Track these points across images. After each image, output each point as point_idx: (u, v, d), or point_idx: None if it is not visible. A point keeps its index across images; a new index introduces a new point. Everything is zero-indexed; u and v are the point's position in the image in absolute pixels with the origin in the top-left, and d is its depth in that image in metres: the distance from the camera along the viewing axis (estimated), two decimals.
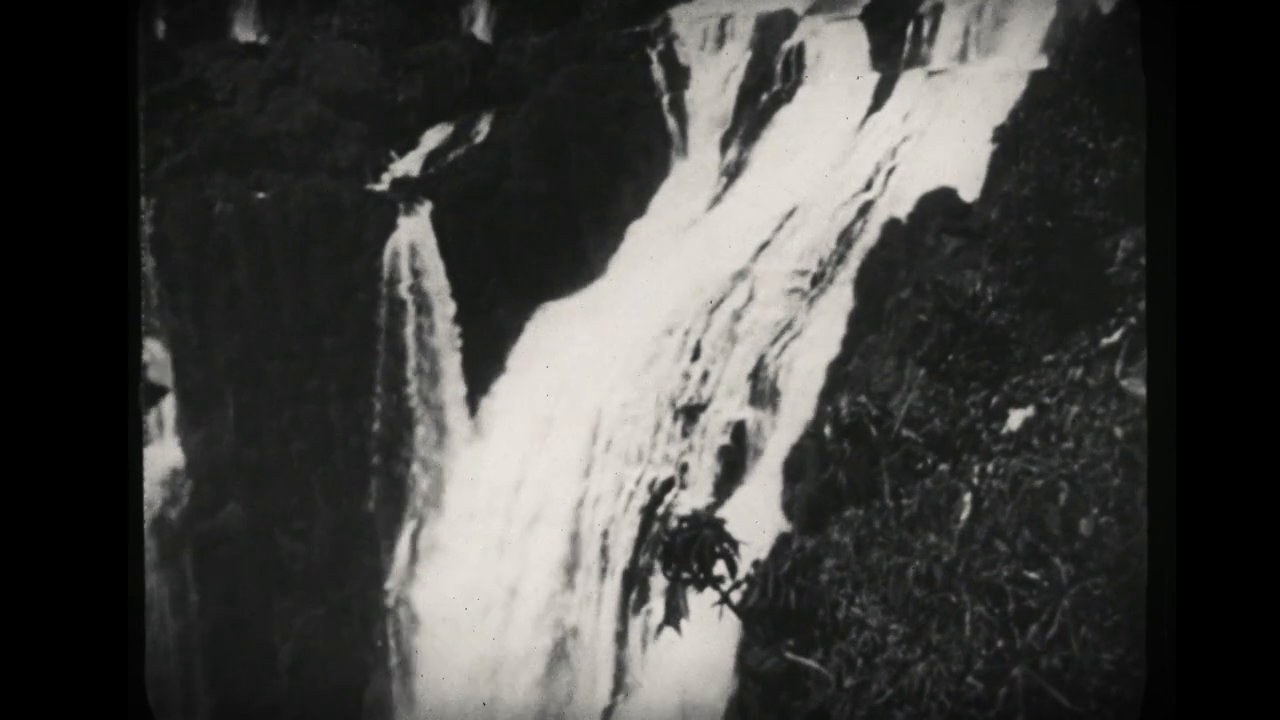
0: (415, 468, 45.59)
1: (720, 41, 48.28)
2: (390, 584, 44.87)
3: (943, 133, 40.20)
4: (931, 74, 42.52)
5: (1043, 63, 36.15)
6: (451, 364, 45.72)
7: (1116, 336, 19.25)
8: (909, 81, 42.68)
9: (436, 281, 45.64)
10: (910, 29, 43.59)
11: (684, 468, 39.24)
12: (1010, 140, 30.90)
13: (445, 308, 45.68)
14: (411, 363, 45.61)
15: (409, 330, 45.53)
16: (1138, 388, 14.69)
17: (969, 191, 36.29)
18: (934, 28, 43.29)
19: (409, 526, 45.21)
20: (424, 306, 45.63)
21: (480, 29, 54.94)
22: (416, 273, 45.60)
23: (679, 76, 48.20)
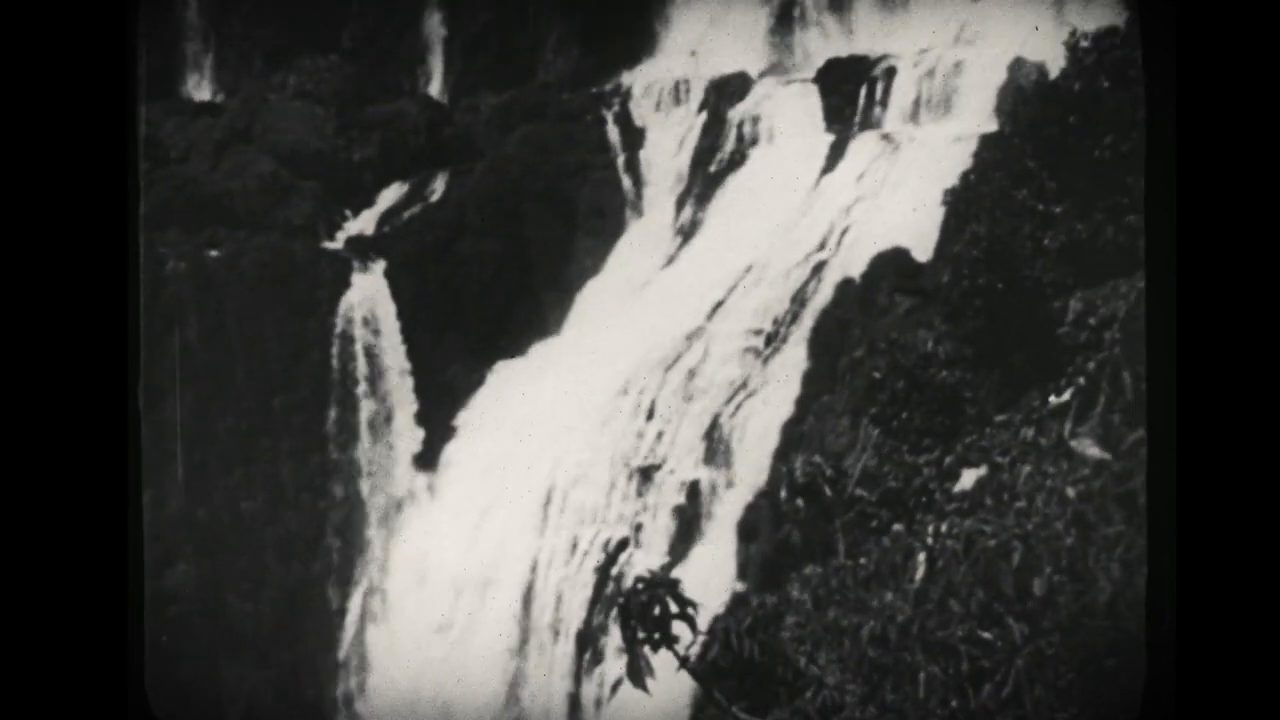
0: (367, 527, 45.23)
1: (675, 103, 48.66)
2: (342, 647, 44.40)
3: (895, 194, 40.62)
4: (884, 136, 43.00)
5: (993, 126, 36.63)
6: (405, 423, 45.49)
7: (1066, 396, 19.38)
8: (862, 143, 43.14)
9: (390, 340, 45.48)
10: (863, 92, 44.14)
11: (639, 527, 39.13)
12: (961, 202, 31.29)
13: (399, 366, 45.51)
14: (364, 421, 45.35)
15: (362, 389, 45.31)
16: (1087, 448, 14.76)
17: (922, 252, 36.64)
18: (886, 91, 43.86)
19: (361, 586, 44.79)
20: (377, 365, 45.45)
21: (436, 89, 55.15)
22: (370, 331, 45.46)
23: (634, 137, 48.51)
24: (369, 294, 45.59)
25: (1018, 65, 40.58)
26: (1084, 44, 28.20)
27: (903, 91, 43.45)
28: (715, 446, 38.77)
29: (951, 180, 34.05)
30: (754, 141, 45.95)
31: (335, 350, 45.21)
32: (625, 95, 49.37)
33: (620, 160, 48.13)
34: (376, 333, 45.49)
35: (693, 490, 38.54)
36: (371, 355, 45.44)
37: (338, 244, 47.98)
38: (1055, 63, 31.97)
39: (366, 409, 45.37)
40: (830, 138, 44.07)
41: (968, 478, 20.07)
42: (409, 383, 45.52)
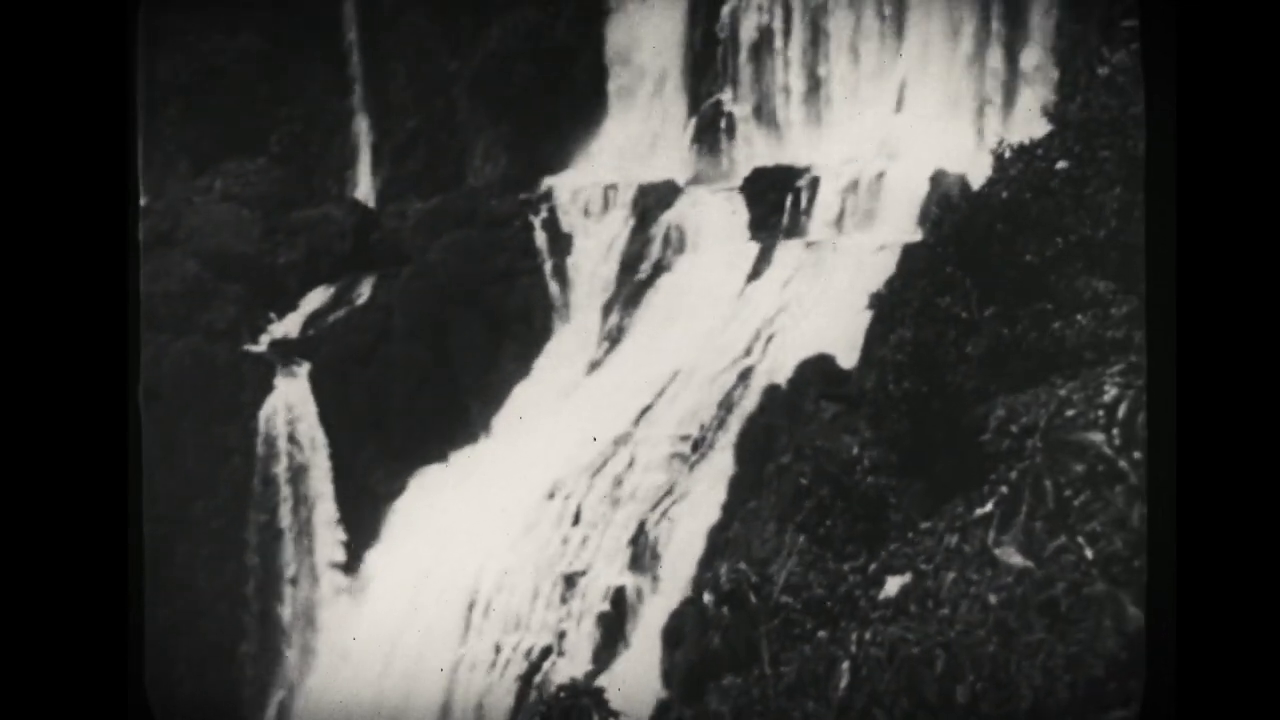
0: (286, 635, 44.43)
1: (603, 209, 48.96)
2: None
3: (820, 301, 40.99)
4: (809, 244, 43.46)
5: (917, 235, 37.08)
6: (327, 528, 44.93)
7: (989, 506, 19.42)
8: (787, 251, 43.56)
9: (313, 444, 45.03)
10: (789, 201, 44.64)
11: (562, 635, 38.68)
12: (885, 309, 31.49)
13: (322, 470, 45.03)
14: (286, 527, 44.74)
15: (283, 494, 44.75)
16: (1010, 556, 14.77)
17: (847, 358, 36.85)
18: (811, 200, 44.40)
19: (277, 695, 43.87)
20: (300, 469, 44.95)
21: (364, 194, 55.21)
22: (293, 436, 45.00)
23: (562, 243, 48.68)
24: (292, 398, 45.18)
25: (940, 177, 41.24)
26: (1009, 154, 28.65)
27: (827, 201, 44.03)
28: (641, 552, 38.54)
29: (875, 288, 34.34)
30: (681, 248, 46.27)
31: (257, 454, 44.67)
32: (553, 201, 49.62)
33: (547, 266, 48.24)
34: (299, 437, 45.03)
35: (618, 597, 38.20)
36: (294, 460, 44.94)
37: (261, 347, 47.57)
38: (978, 175, 32.46)
39: (287, 513, 44.76)
40: (756, 245, 44.48)
41: (892, 584, 19.99)
42: (331, 488, 45.02)
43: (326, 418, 45.19)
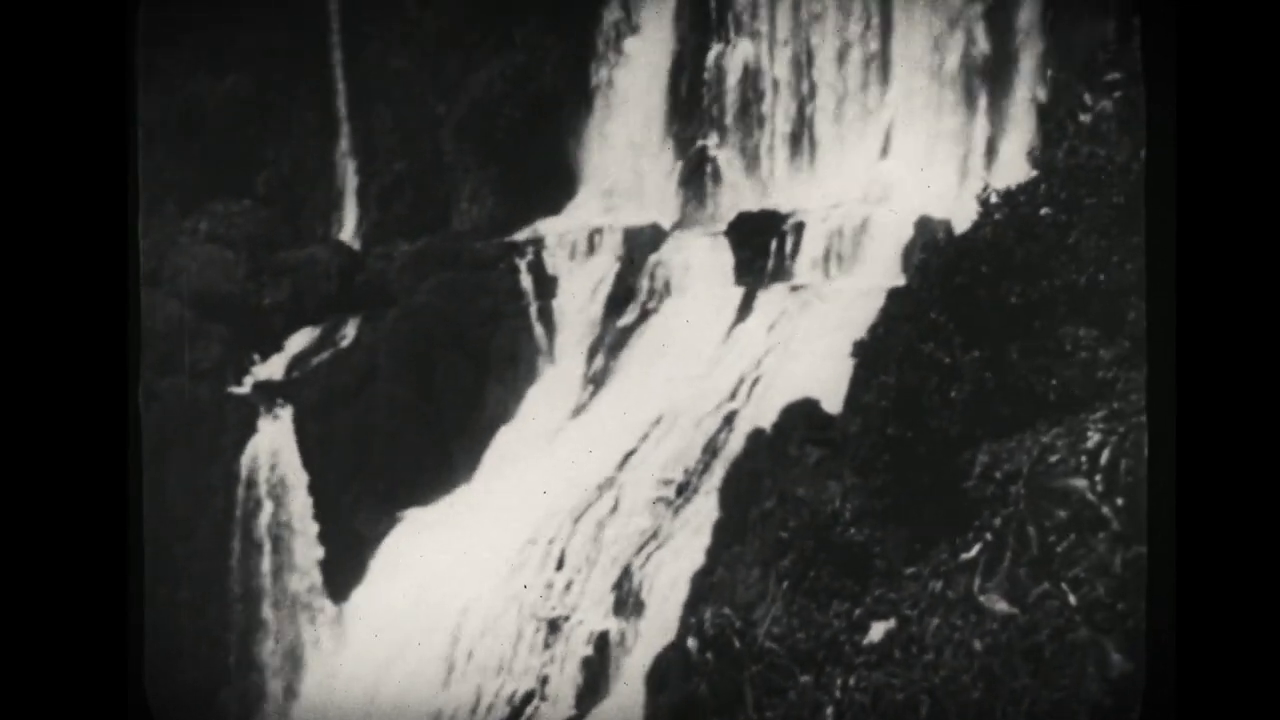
0: (269, 678, 44.13)
1: (589, 252, 49.05)
2: None
3: (805, 345, 41.03)
4: (794, 288, 43.56)
5: (901, 280, 37.16)
6: (310, 571, 44.71)
7: (974, 552, 19.43)
8: (773, 295, 43.65)
9: (296, 486, 44.88)
10: (774, 245, 44.76)
11: (545, 680, 38.45)
12: (870, 354, 31.53)
13: (305, 513, 44.84)
14: (268, 570, 44.50)
15: (265, 536, 44.53)
16: (995, 603, 14.75)
17: (832, 403, 36.83)
18: (796, 244, 44.52)
19: None
20: (283, 512, 44.76)
21: (349, 235, 55.24)
22: (276, 477, 44.84)
23: (547, 286, 48.73)
24: (275, 440, 45.04)
25: (925, 221, 41.42)
26: (994, 199, 28.79)
27: (812, 245, 44.14)
28: (625, 597, 38.39)
29: (860, 332, 34.39)
30: (666, 292, 46.35)
31: (239, 497, 44.49)
32: (539, 244, 49.70)
33: (533, 308, 48.27)
34: (282, 480, 44.88)
35: (601, 642, 38.01)
36: (277, 502, 44.76)
37: (245, 389, 47.46)
38: (963, 220, 32.57)
39: (269, 556, 44.54)
40: (741, 289, 44.55)
41: (877, 630, 19.94)
42: (314, 530, 44.84)
43: (310, 460, 45.05)
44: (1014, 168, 35.44)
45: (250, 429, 44.92)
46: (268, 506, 44.64)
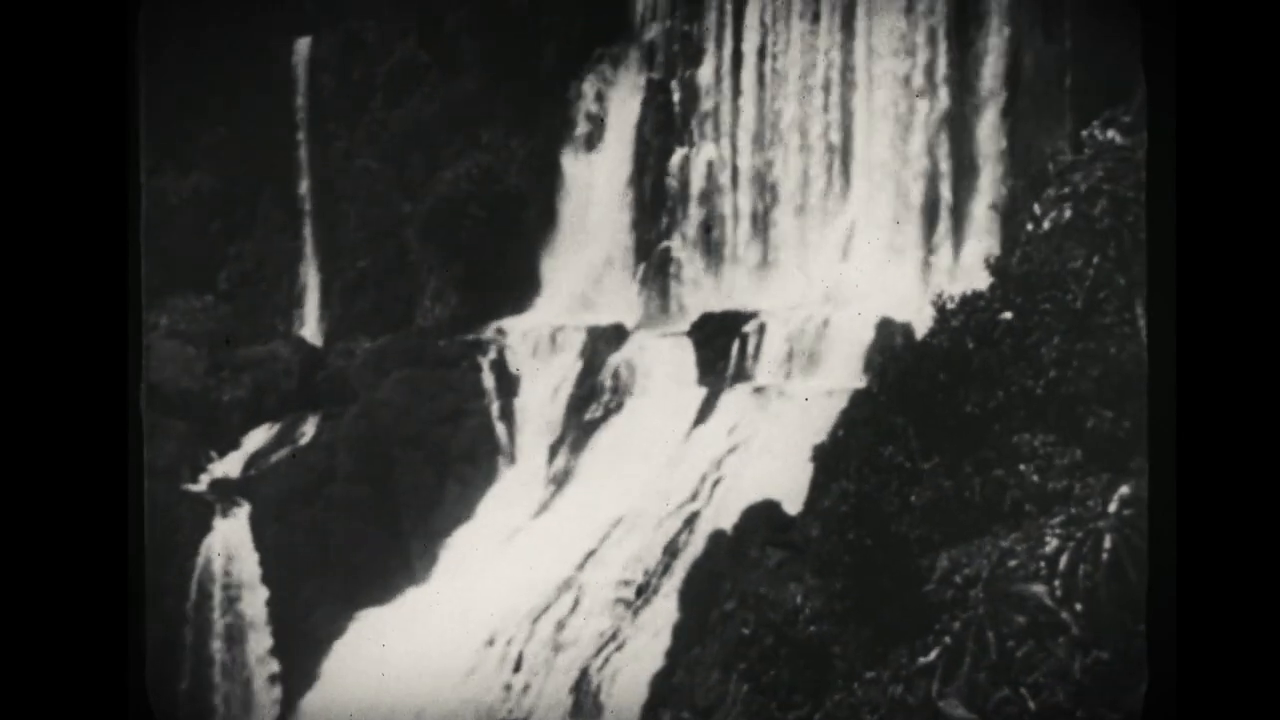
0: None
1: (552, 351, 49.07)
2: None
3: (766, 447, 40.98)
4: (756, 390, 43.59)
5: (861, 383, 37.33)
6: (264, 671, 44.06)
7: (933, 656, 19.37)
8: (734, 396, 43.66)
9: (251, 586, 44.32)
10: (736, 346, 44.89)
11: None
12: (830, 457, 31.62)
13: (259, 613, 44.25)
14: (220, 671, 43.83)
15: (218, 637, 43.90)
16: (954, 709, 14.66)
17: (792, 505, 36.74)
18: (758, 346, 44.66)
19: None
20: (237, 612, 44.16)
21: (311, 332, 55.14)
22: (231, 576, 44.31)
23: (510, 384, 48.68)
24: (231, 539, 44.57)
25: (885, 325, 41.64)
26: (950, 305, 29.08)
27: (774, 347, 44.27)
28: (583, 700, 37.92)
29: (821, 435, 34.44)
30: (628, 392, 46.34)
31: (192, 595, 43.92)
32: (502, 343, 49.72)
33: (495, 407, 48.16)
34: (236, 579, 44.34)
35: None
36: (231, 601, 44.18)
37: (201, 486, 47.06)
38: (922, 323, 32.81)
39: (222, 657, 43.88)
40: (703, 390, 44.58)
41: None
42: (268, 629, 44.23)
43: (265, 558, 44.56)
44: (973, 273, 35.79)
45: (206, 527, 44.45)
46: (221, 605, 44.05)
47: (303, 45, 57.88)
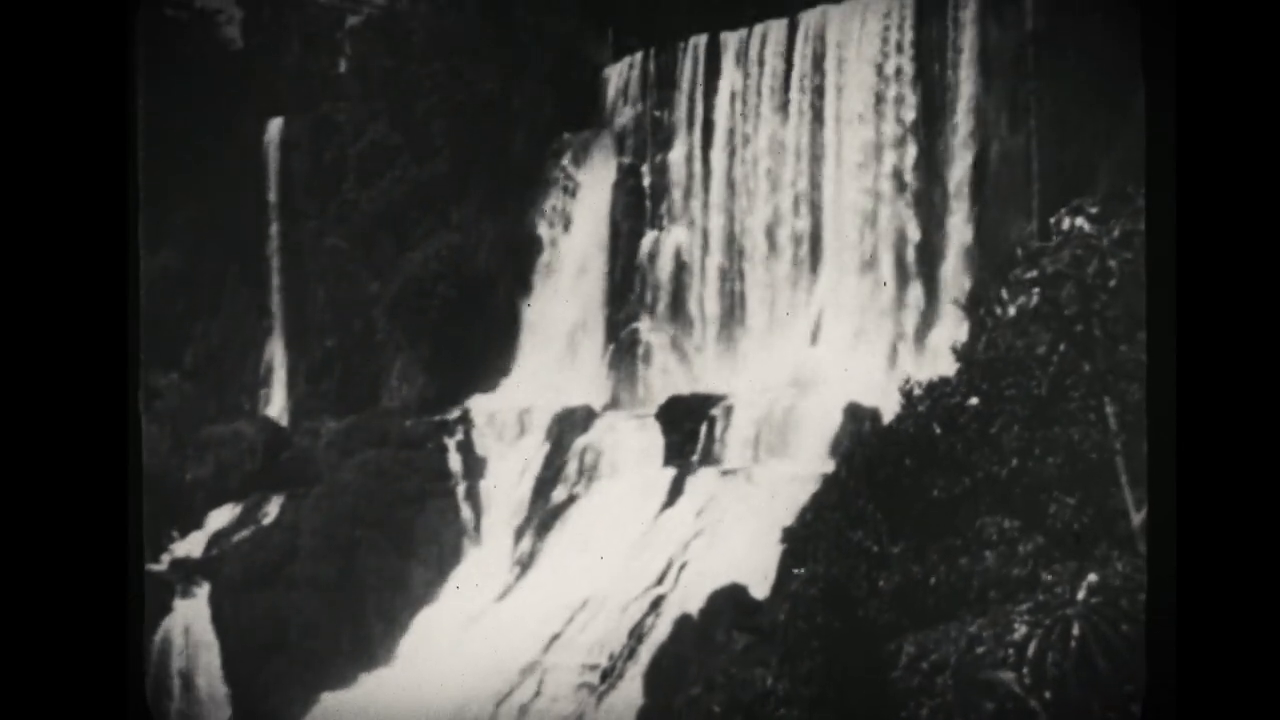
0: None
1: (519, 433, 48.96)
2: None
3: (734, 530, 40.81)
4: (723, 473, 43.51)
5: (829, 467, 37.32)
6: None
7: None
8: (701, 479, 43.56)
9: (209, 667, 43.75)
10: (703, 429, 44.87)
11: None
12: (798, 541, 31.48)
13: (217, 694, 43.63)
14: None
15: (176, 717, 43.23)
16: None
17: (760, 589, 36.56)
18: (726, 429, 44.64)
19: None
20: (194, 694, 43.53)
21: (277, 411, 54.89)
22: (189, 658, 43.73)
23: (476, 466, 48.50)
24: (190, 619, 44.05)
25: (853, 410, 41.69)
26: (917, 391, 29.17)
27: (741, 429, 44.27)
28: None
29: (789, 518, 34.33)
30: (595, 474, 46.21)
31: (149, 678, 43.27)
32: (469, 424, 49.60)
33: (461, 488, 47.96)
34: (195, 660, 43.76)
35: None
36: (188, 683, 43.56)
37: (162, 566, 46.59)
38: (890, 408, 32.87)
39: None
40: (670, 473, 44.47)
41: None
42: (226, 712, 43.58)
43: (225, 640, 44.01)
44: (941, 358, 35.91)
45: (165, 609, 43.91)
46: (178, 686, 43.43)
47: (274, 126, 58.19)
